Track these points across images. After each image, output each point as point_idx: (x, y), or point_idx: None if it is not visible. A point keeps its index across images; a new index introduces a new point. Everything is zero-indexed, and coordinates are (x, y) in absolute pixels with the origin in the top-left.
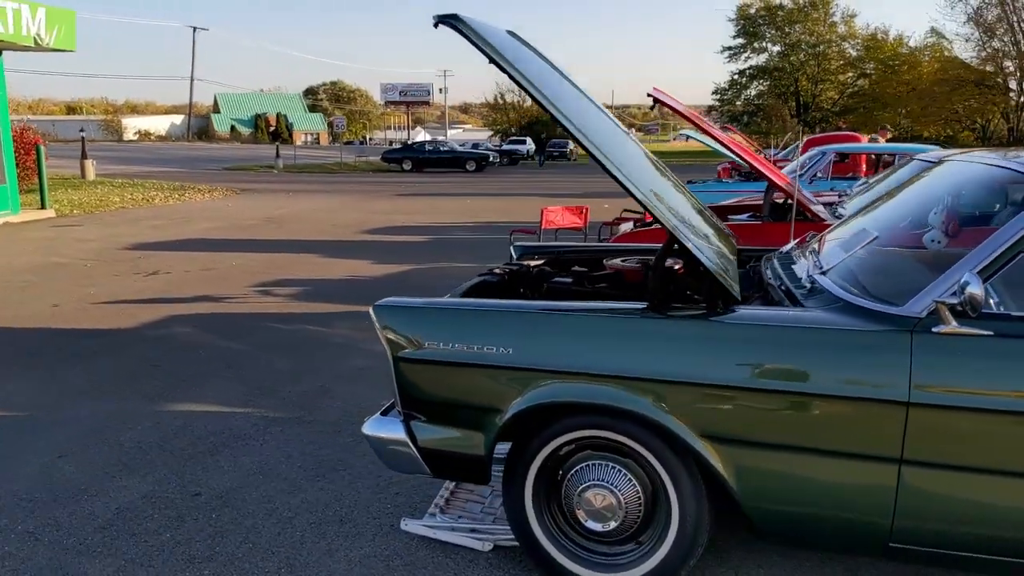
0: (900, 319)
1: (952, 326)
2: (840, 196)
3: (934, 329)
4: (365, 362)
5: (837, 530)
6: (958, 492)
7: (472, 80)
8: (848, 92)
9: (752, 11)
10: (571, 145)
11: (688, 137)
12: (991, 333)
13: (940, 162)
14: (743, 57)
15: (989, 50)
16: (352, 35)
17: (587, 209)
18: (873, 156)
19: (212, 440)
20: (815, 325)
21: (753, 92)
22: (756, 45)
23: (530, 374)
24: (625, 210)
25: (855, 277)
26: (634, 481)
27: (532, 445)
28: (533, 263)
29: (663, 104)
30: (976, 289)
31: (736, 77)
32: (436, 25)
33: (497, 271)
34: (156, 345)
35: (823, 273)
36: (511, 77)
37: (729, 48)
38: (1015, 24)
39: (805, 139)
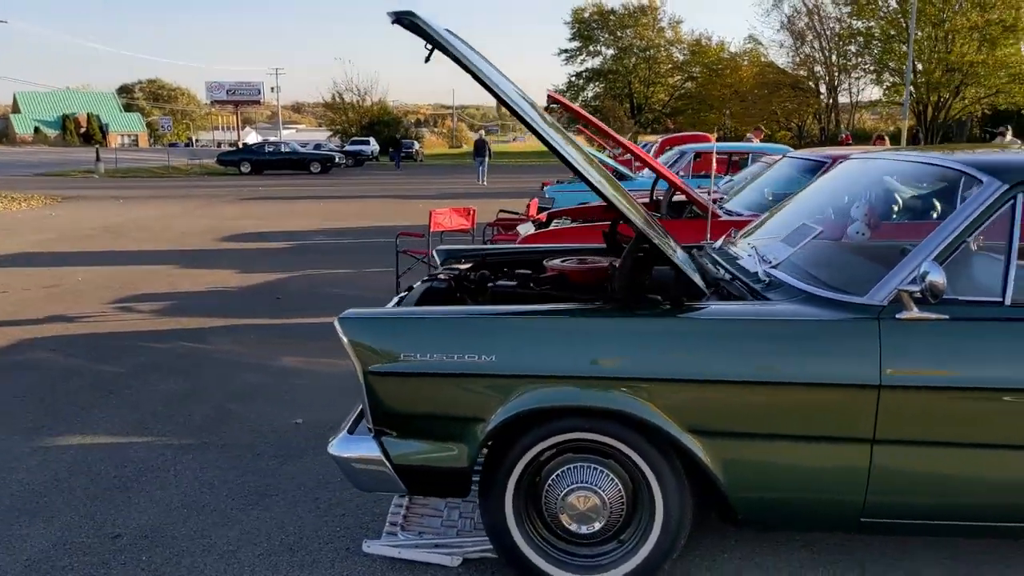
0: (865, 307)
1: (914, 312)
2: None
3: (898, 316)
4: (258, 378)
5: (816, 510)
6: (924, 466)
7: (305, 78)
8: (677, 94)
9: (586, 15)
10: (417, 145)
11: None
12: (947, 317)
13: (835, 161)
14: (579, 60)
15: (801, 55)
16: (173, 30)
17: (474, 211)
18: (728, 156)
19: (116, 475)
20: (786, 317)
21: (590, 94)
22: (591, 48)
23: (513, 380)
24: (502, 211)
25: (807, 270)
26: (616, 481)
27: (512, 453)
28: (463, 267)
29: (563, 104)
30: (937, 277)
31: (573, 79)
32: (393, 23)
33: (442, 277)
34: (16, 374)
35: (774, 267)
36: (475, 77)
37: (566, 51)
38: (822, 32)
39: (660, 139)
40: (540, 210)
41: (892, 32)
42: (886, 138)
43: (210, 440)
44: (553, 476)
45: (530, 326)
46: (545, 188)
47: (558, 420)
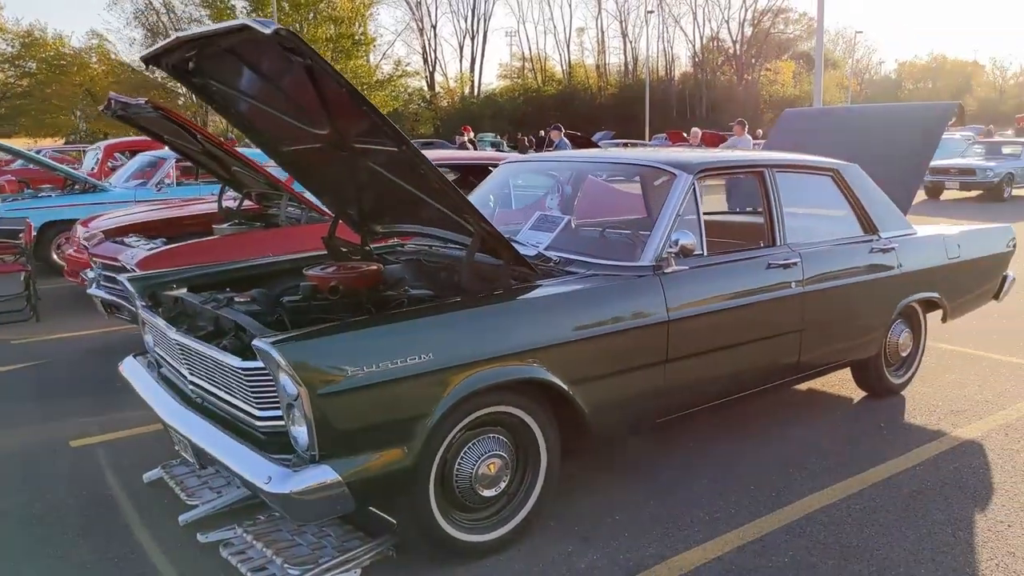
0: (645, 268)
1: (674, 267)
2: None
3: (666, 271)
4: None
5: (635, 419)
6: (697, 371)
7: None
8: (11, 93)
9: None
10: None
11: None
12: (688, 267)
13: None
14: None
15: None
16: None
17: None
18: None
19: None
20: (599, 284)
21: None
22: None
23: (449, 373)
24: None
25: (578, 248)
26: (508, 443)
27: (436, 440)
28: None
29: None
30: (688, 241)
31: None
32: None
33: (244, 299)
34: None
35: (547, 250)
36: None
37: None
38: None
39: (104, 145)
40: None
41: None
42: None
43: None
44: (462, 453)
45: (454, 322)
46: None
47: (475, 399)
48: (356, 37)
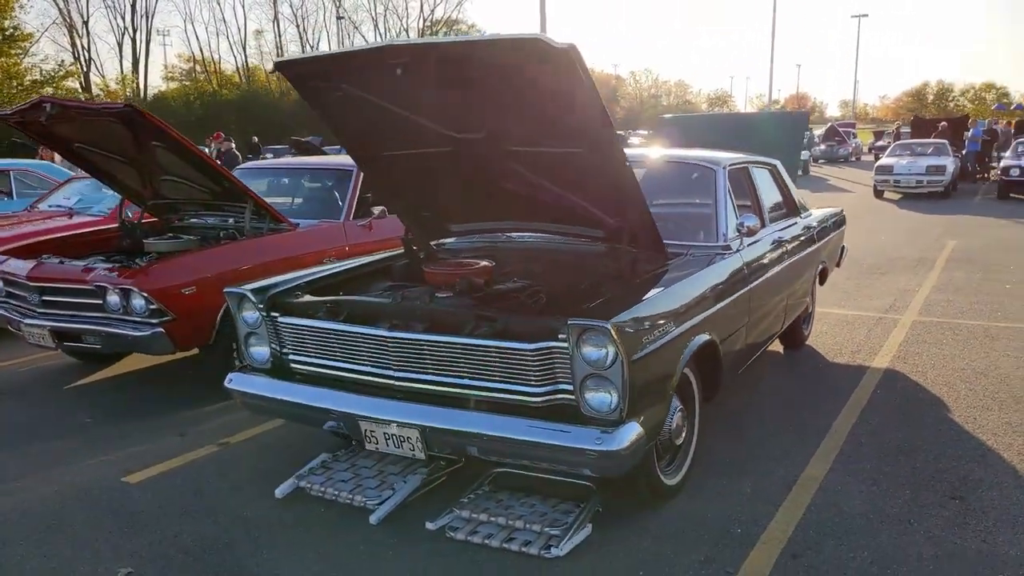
0: (724, 247)
1: (744, 244)
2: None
3: (737, 248)
4: None
5: (735, 370)
6: (761, 324)
7: None
8: None
9: None
10: None
11: None
12: (748, 243)
13: None
14: None
15: None
16: None
17: None
18: None
19: None
20: (718, 262)
21: None
22: None
23: (683, 337)
24: None
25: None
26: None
27: (671, 397)
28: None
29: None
30: (753, 223)
31: None
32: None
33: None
34: None
35: None
36: None
37: None
38: None
39: None
40: None
41: None
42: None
43: None
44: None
45: (681, 295)
46: None
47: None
48: (7, 32)
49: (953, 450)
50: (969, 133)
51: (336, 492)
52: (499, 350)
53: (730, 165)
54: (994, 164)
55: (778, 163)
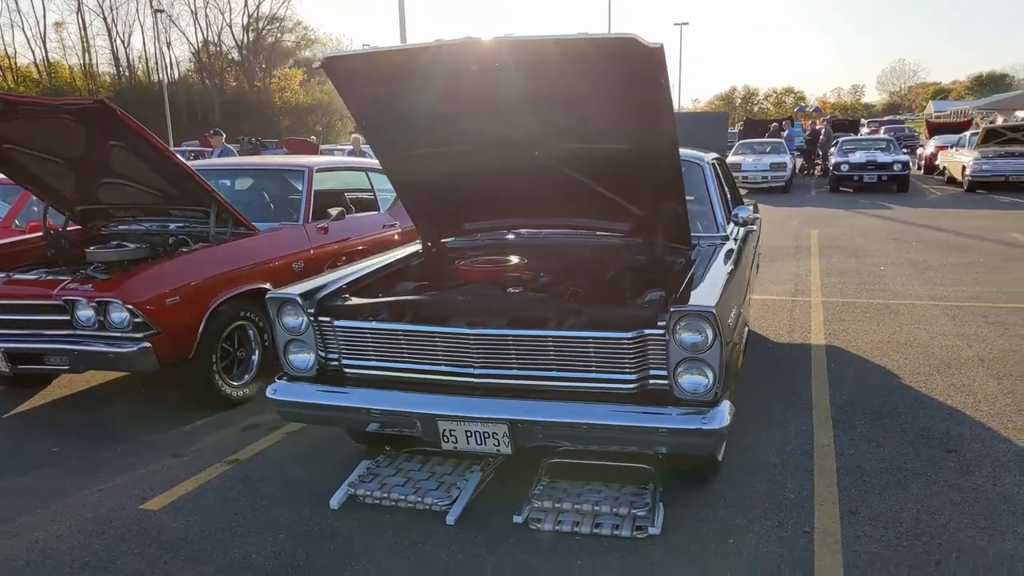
0: (724, 236)
1: (733, 232)
2: None
3: (729, 234)
4: None
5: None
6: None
7: None
8: None
9: None
10: None
11: None
12: (742, 228)
13: None
14: None
15: None
16: None
17: None
18: None
19: None
20: (725, 249)
21: None
22: None
23: (739, 320)
24: None
25: None
26: None
27: None
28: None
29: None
30: (746, 214)
31: None
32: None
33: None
34: None
35: None
36: None
37: None
38: None
39: None
40: None
41: None
42: None
43: None
44: None
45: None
46: None
47: None
48: None
49: (924, 411)
50: (785, 133)
51: (398, 497)
52: (595, 340)
53: (711, 160)
54: (818, 160)
55: (719, 157)
